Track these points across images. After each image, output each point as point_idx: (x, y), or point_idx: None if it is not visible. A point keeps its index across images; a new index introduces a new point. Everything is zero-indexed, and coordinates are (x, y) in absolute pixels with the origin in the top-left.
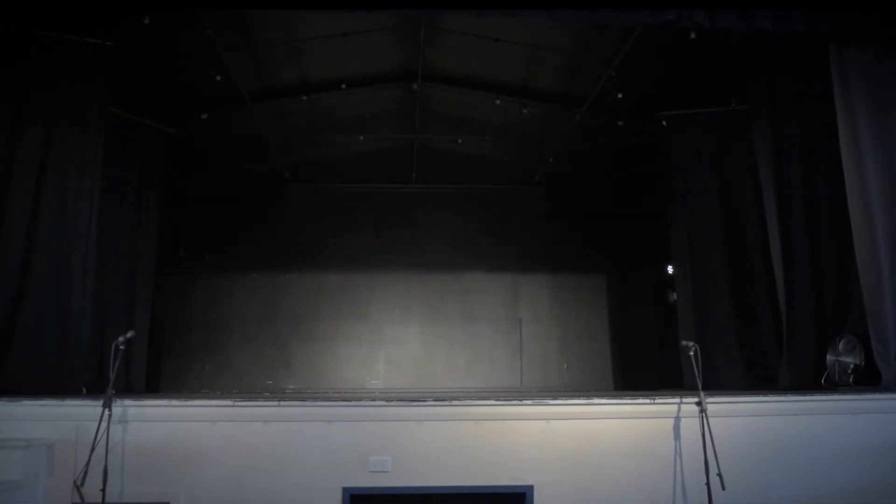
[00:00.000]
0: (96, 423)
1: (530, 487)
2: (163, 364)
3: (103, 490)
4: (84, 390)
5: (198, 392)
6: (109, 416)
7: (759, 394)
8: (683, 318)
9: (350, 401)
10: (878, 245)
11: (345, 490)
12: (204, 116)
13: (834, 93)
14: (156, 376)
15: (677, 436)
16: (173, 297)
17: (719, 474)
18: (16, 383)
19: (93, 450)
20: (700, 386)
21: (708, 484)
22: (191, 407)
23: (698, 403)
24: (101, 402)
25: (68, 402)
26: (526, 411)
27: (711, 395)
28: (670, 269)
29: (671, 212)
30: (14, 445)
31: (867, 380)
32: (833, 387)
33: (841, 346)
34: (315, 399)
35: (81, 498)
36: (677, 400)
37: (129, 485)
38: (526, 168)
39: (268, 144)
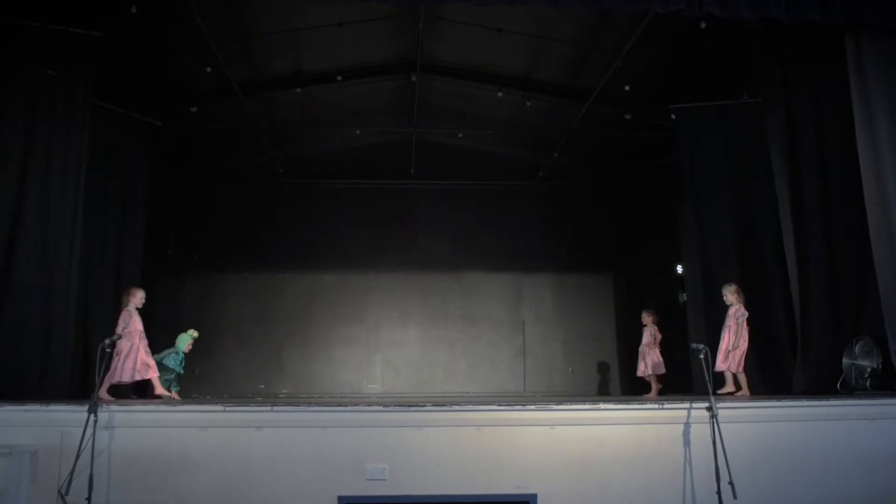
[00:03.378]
0: (81, 428)
1: (534, 496)
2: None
3: (88, 499)
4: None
5: (187, 396)
6: (95, 421)
7: (772, 398)
8: (693, 320)
9: (346, 406)
10: None
11: (340, 499)
12: (193, 109)
13: (850, 84)
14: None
15: (687, 442)
16: (161, 297)
17: (731, 482)
18: None
19: (78, 457)
20: (711, 390)
21: (719, 492)
22: (180, 412)
23: (709, 408)
24: (86, 408)
25: (52, 407)
26: (529, 417)
27: (722, 400)
28: (680, 269)
29: (680, 209)
30: None
31: (885, 384)
32: (849, 391)
33: (857, 348)
34: (309, 404)
35: None
36: (687, 405)
37: (116, 493)
38: (529, 163)
39: (260, 139)
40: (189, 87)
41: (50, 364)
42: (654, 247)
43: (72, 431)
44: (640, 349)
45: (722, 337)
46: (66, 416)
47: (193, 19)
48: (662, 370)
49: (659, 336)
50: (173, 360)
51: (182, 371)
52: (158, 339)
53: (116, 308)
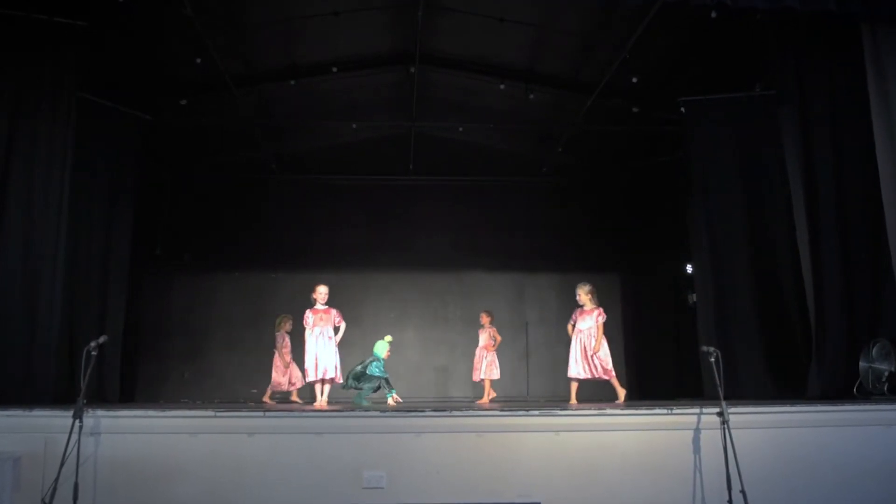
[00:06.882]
0: (66, 435)
1: None
2: (138, 371)
3: None
4: None
5: (176, 402)
6: (80, 427)
7: (785, 403)
8: (703, 322)
9: (341, 411)
10: None
11: None
12: (183, 102)
13: (867, 76)
14: (131, 385)
15: (697, 449)
16: (150, 298)
17: (742, 490)
18: None
19: (62, 464)
20: (722, 395)
21: (730, 500)
22: (169, 418)
23: (720, 414)
24: (71, 413)
25: (36, 412)
26: (532, 422)
27: (734, 405)
28: (689, 269)
29: (690, 206)
30: None
31: None
32: (866, 395)
33: (874, 351)
34: (303, 409)
35: None
36: (697, 410)
37: (102, 501)
38: (532, 158)
39: (252, 133)
40: (179, 80)
41: (34, 368)
42: (663, 245)
43: (56, 438)
44: (477, 352)
45: (576, 342)
46: (51, 422)
47: (183, 8)
48: (496, 375)
49: (498, 338)
50: (377, 368)
51: (387, 375)
52: (144, 342)
53: (103, 310)
